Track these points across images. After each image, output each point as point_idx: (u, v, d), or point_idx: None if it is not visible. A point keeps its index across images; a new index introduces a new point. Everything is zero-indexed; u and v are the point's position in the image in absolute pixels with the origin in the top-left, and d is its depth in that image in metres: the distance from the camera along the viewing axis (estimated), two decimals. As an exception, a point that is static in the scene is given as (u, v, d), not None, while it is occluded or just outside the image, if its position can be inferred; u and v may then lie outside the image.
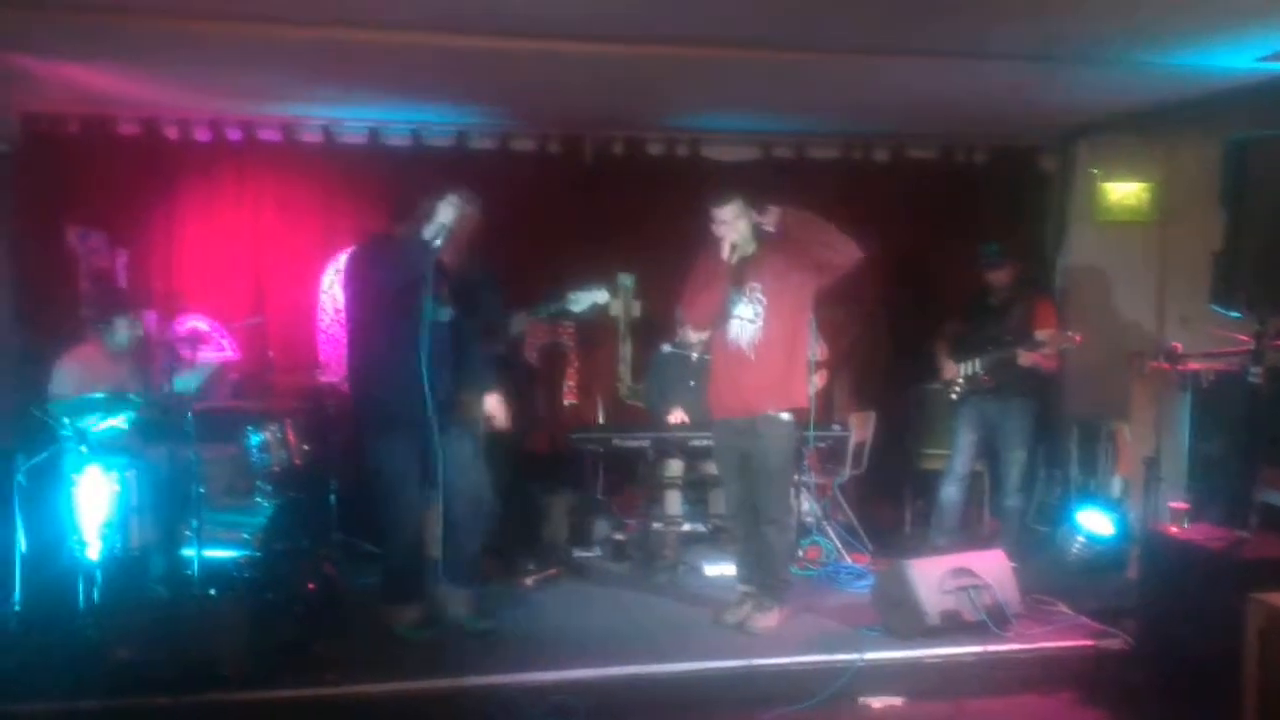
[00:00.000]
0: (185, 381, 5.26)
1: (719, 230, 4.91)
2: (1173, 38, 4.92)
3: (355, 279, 4.85)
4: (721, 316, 5.02)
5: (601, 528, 6.54)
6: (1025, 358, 5.77)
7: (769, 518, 5.03)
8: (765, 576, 5.13)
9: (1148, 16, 4.66)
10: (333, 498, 6.04)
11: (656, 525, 6.21)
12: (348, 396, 6.39)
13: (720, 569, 5.89)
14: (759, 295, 4.94)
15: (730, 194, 4.94)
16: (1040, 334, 5.85)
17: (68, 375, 5.24)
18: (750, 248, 4.99)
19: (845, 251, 4.89)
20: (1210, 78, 5.52)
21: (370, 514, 5.01)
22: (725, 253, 4.88)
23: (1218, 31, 4.81)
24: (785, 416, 5.00)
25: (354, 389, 5.03)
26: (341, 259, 6.75)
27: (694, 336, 6.33)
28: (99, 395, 4.98)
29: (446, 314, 4.73)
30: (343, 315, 6.72)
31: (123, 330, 5.48)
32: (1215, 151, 4.63)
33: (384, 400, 4.68)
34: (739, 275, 4.97)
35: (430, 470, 4.63)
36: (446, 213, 4.55)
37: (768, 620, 5.02)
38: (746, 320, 4.96)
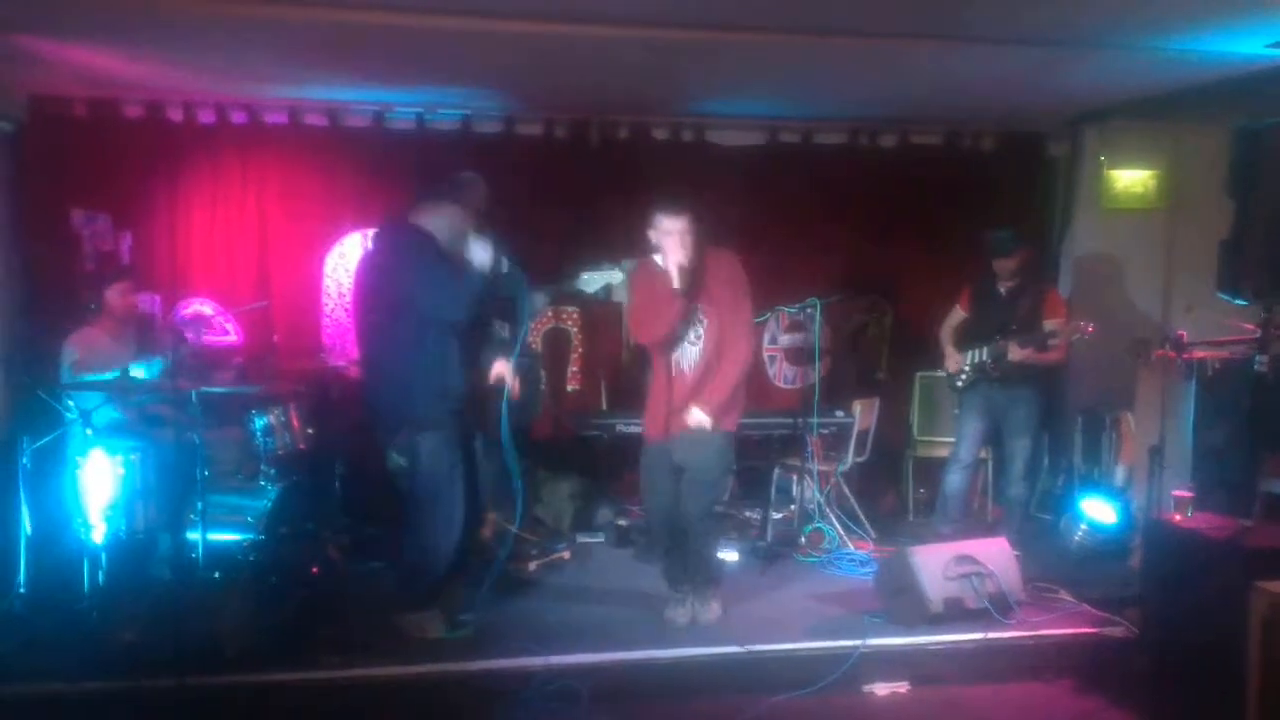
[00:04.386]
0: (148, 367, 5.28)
1: (664, 240, 4.63)
2: (1183, 23, 4.88)
3: (393, 273, 4.54)
4: (677, 337, 4.76)
5: (604, 513, 6.55)
6: (1015, 353, 5.75)
7: (703, 526, 4.89)
8: (701, 574, 5.00)
9: (1159, 1, 4.64)
10: (337, 482, 6.05)
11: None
12: (357, 383, 6.45)
13: (723, 554, 5.89)
14: (700, 316, 4.73)
15: (679, 202, 4.63)
16: (1049, 324, 5.82)
17: (76, 357, 5.25)
18: (691, 262, 4.66)
19: (743, 347, 4.77)
20: (1219, 64, 5.48)
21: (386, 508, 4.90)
22: (673, 271, 4.59)
23: (1228, 17, 4.77)
24: (719, 432, 4.80)
25: (391, 384, 4.61)
26: (347, 242, 6.78)
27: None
28: (105, 377, 4.98)
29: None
30: (347, 300, 6.76)
31: (116, 300, 5.48)
32: (1223, 139, 4.62)
33: (437, 396, 4.54)
34: (683, 293, 4.65)
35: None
36: (482, 254, 4.51)
37: (715, 611, 4.97)
38: (689, 341, 4.76)
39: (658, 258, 4.72)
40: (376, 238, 4.82)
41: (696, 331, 4.75)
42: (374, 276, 4.67)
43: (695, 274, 4.66)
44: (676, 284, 4.61)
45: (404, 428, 4.57)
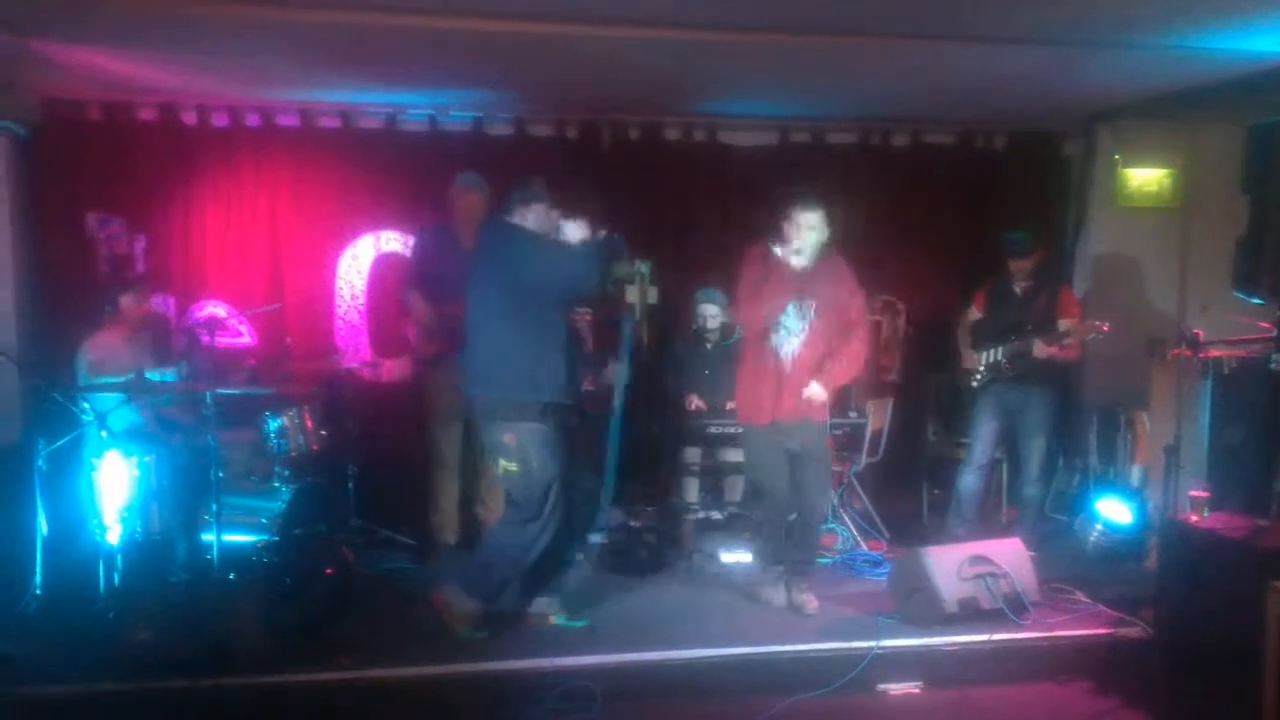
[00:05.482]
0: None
1: (797, 233, 4.86)
2: (1199, 20, 4.85)
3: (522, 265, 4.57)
4: (771, 322, 4.97)
5: (616, 514, 6.54)
6: (1041, 349, 5.72)
7: (819, 509, 5.18)
8: (809, 557, 5.24)
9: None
10: (350, 483, 6.07)
11: (673, 512, 6.21)
12: (369, 385, 6.48)
13: (736, 556, 5.88)
14: (811, 310, 4.94)
15: (816, 199, 4.89)
16: (1063, 323, 5.80)
17: (91, 360, 5.27)
18: (812, 259, 4.94)
19: (864, 341, 5.10)
20: (1234, 62, 5.46)
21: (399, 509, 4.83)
22: (792, 257, 4.85)
23: (1244, 14, 4.75)
24: (825, 419, 5.08)
25: (511, 367, 4.55)
26: (360, 244, 6.80)
27: (714, 323, 6.32)
28: (123, 380, 5.01)
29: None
30: (361, 302, 6.78)
31: (130, 307, 5.51)
32: (1238, 137, 4.59)
33: (551, 379, 4.57)
34: (798, 285, 4.94)
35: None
36: (577, 233, 4.65)
37: (814, 601, 5.11)
38: (793, 333, 4.95)
39: (776, 247, 4.92)
40: (483, 236, 4.83)
41: (802, 325, 4.93)
42: (487, 270, 4.62)
43: (812, 271, 4.93)
44: (792, 274, 4.88)
45: (517, 414, 4.53)
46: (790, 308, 4.94)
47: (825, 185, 6.95)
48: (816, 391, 4.94)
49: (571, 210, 4.71)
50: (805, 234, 4.86)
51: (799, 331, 4.95)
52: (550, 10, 4.82)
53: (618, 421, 4.75)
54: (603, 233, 4.61)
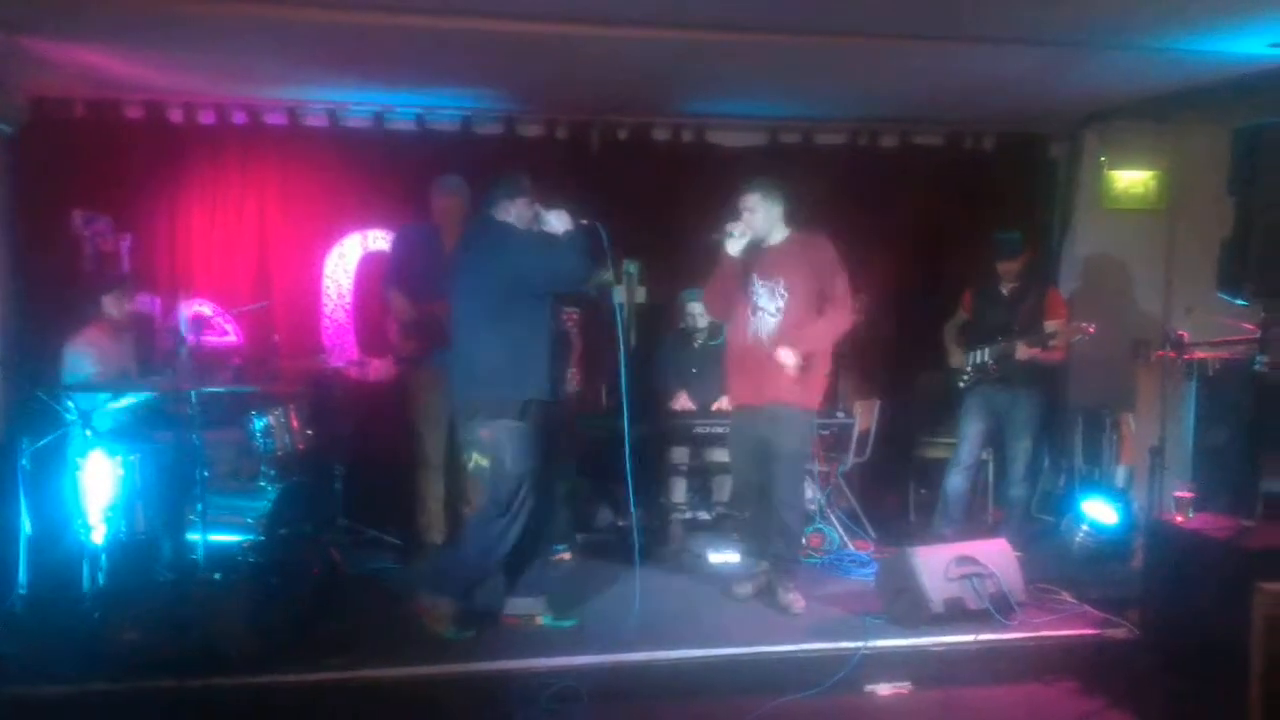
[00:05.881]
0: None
1: (738, 215, 4.94)
2: (1193, 22, 4.88)
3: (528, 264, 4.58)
4: (739, 306, 5.01)
5: (605, 514, 6.54)
6: (1023, 351, 5.75)
7: (786, 502, 5.06)
8: (786, 552, 5.18)
9: (1161, 1, 4.64)
10: (336, 483, 6.05)
11: (661, 512, 6.21)
12: (357, 384, 6.45)
13: (724, 556, 5.89)
14: (782, 290, 4.94)
15: (754, 181, 4.98)
16: (1050, 325, 5.82)
17: (78, 358, 5.23)
18: (777, 238, 5.00)
19: (843, 314, 5.00)
20: (1221, 65, 5.49)
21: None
22: (727, 241, 4.90)
23: (1231, 16, 4.78)
24: (802, 409, 5.02)
25: (496, 363, 4.55)
26: (347, 243, 6.77)
27: (702, 321, 6.32)
28: (110, 378, 4.98)
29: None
30: (348, 300, 6.75)
31: (112, 307, 5.47)
32: (1224, 139, 4.61)
33: (536, 375, 4.60)
34: (764, 266, 4.97)
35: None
36: (559, 222, 4.64)
37: (799, 601, 5.08)
38: (768, 314, 4.96)
39: (735, 231, 4.98)
40: (467, 237, 4.84)
41: (776, 305, 4.95)
42: (473, 269, 4.62)
43: (779, 250, 4.99)
44: (747, 256, 4.95)
45: (497, 410, 4.53)
46: (760, 289, 4.97)
47: (814, 185, 7.05)
48: (785, 356, 4.87)
49: (553, 202, 4.73)
50: (744, 215, 4.94)
51: (774, 313, 4.96)
52: (550, 10, 4.81)
53: (626, 425, 4.78)
54: (584, 222, 4.64)
